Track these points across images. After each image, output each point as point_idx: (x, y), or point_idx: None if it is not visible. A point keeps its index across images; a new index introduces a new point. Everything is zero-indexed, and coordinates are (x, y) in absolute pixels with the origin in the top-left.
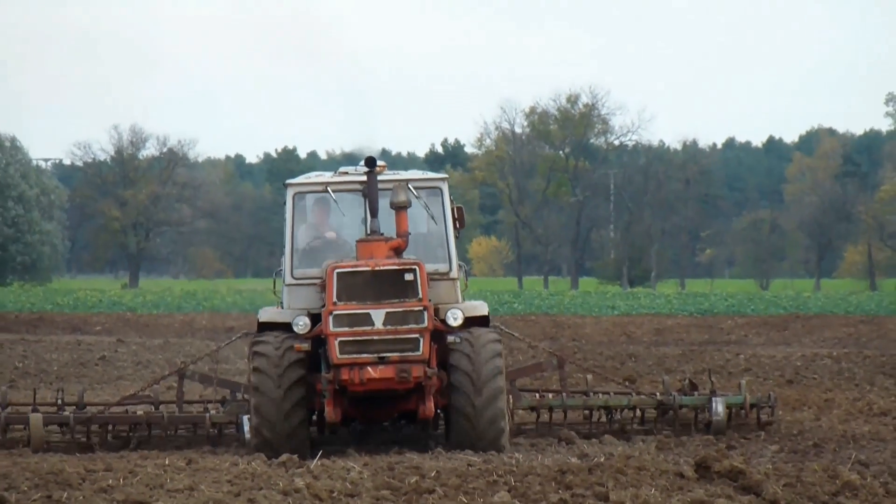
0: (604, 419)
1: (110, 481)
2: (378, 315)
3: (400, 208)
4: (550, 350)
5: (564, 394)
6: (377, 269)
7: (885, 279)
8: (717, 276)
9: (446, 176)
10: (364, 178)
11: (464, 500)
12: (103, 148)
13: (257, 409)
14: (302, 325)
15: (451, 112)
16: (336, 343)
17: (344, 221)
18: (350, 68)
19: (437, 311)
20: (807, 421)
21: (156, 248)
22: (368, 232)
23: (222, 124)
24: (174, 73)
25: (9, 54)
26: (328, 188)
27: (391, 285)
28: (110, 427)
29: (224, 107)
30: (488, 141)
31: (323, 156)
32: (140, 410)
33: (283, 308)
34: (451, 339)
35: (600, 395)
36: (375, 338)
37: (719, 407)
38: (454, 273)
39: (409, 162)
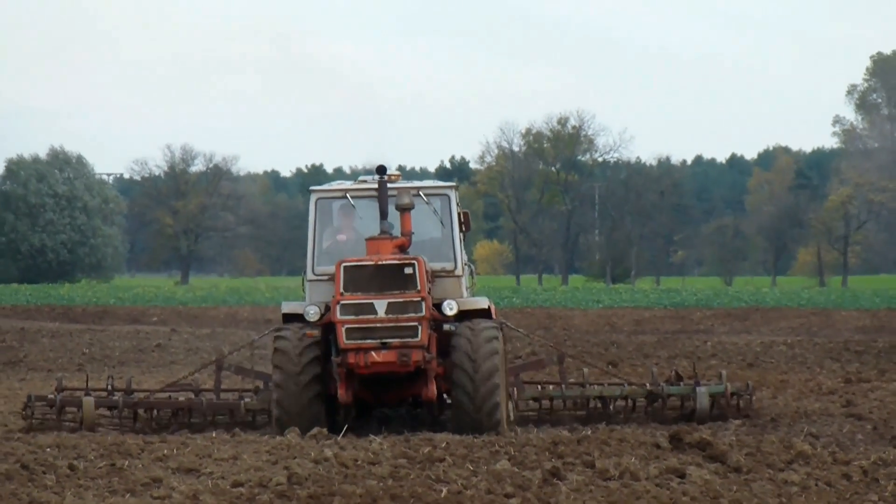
0: (599, 406)
1: (165, 451)
2: (381, 305)
3: (404, 210)
4: (551, 345)
5: (564, 385)
6: (380, 263)
7: (832, 277)
8: (688, 274)
9: (454, 184)
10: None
11: (470, 467)
12: (158, 164)
13: (278, 385)
14: (313, 313)
15: (458, 133)
16: (343, 330)
17: (361, 224)
18: (372, 97)
19: (440, 303)
20: (765, 399)
21: (204, 250)
22: (380, 231)
23: (261, 144)
24: (220, 101)
25: (75, 85)
26: (347, 194)
27: (393, 278)
28: (155, 411)
29: (262, 129)
30: (490, 158)
31: (347, 171)
32: (182, 397)
33: (306, 301)
34: (447, 326)
35: (595, 386)
36: (378, 325)
37: (703, 398)
38: (459, 271)
39: (421, 175)
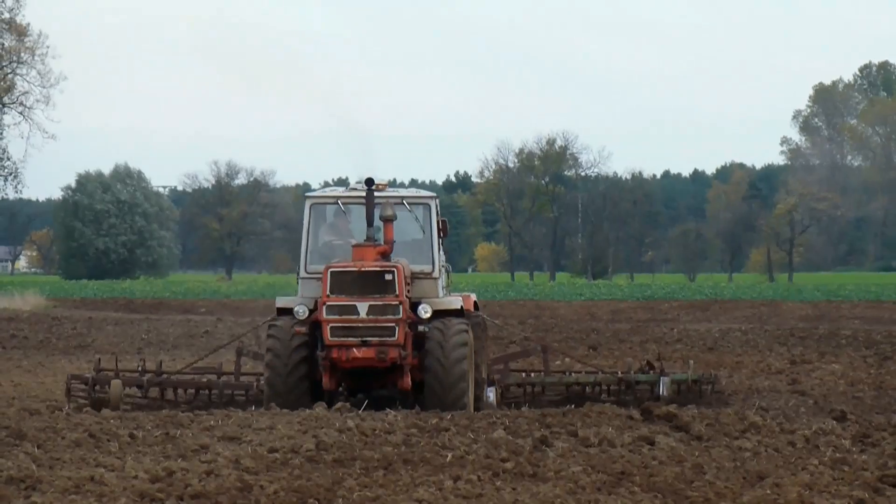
0: (578, 392)
1: (211, 422)
2: (363, 307)
3: (387, 220)
4: (531, 339)
5: (544, 372)
6: (363, 269)
7: (779, 273)
8: (657, 271)
9: (435, 195)
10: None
11: (471, 435)
12: (206, 178)
13: (269, 372)
14: (301, 311)
15: (461, 151)
16: (328, 328)
17: (350, 227)
18: (387, 120)
19: (417, 304)
20: (723, 378)
21: (245, 251)
22: (365, 238)
23: (294, 160)
24: (260, 122)
25: (135, 111)
26: (339, 200)
27: (374, 283)
28: (180, 391)
29: (295, 147)
30: (488, 172)
31: None
32: (205, 378)
33: (297, 297)
34: (421, 328)
35: (573, 374)
36: (360, 325)
37: (665, 389)
38: (436, 273)
39: (429, 188)
